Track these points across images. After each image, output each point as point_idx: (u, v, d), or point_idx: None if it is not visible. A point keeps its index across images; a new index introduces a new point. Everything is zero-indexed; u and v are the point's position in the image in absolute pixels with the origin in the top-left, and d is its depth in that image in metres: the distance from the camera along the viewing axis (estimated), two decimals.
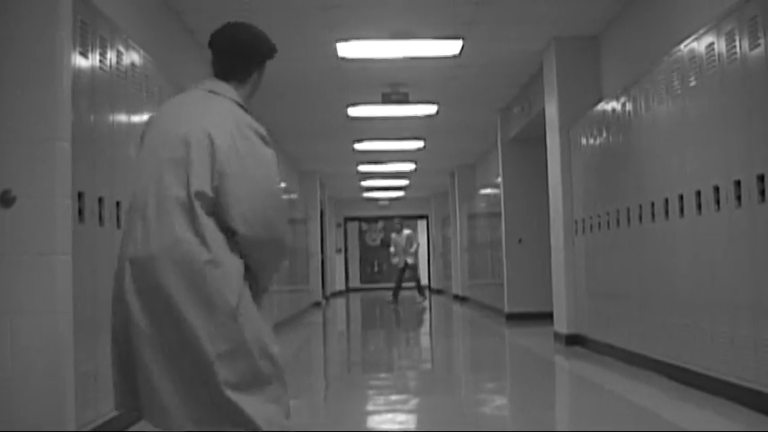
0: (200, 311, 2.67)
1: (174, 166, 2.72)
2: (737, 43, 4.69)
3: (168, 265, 2.67)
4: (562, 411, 5.59)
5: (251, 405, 2.71)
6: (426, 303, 18.65)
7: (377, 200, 26.73)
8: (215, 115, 2.82)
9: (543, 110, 9.31)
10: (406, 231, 19.35)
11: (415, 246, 19.06)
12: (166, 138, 2.78)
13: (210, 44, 3.02)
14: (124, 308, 2.71)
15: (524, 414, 5.25)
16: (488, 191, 14.74)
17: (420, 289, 19.12)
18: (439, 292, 25.75)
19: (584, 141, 8.04)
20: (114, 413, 4.44)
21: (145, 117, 5.27)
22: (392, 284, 19.62)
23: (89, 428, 4.10)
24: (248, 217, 2.71)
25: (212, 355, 2.66)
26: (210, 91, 2.92)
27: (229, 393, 2.66)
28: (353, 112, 11.74)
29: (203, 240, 2.70)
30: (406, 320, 14.31)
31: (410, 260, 18.86)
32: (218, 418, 2.69)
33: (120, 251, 2.77)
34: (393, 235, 19.74)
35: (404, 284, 19.20)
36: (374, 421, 5.10)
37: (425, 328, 12.81)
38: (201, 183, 2.70)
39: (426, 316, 15.16)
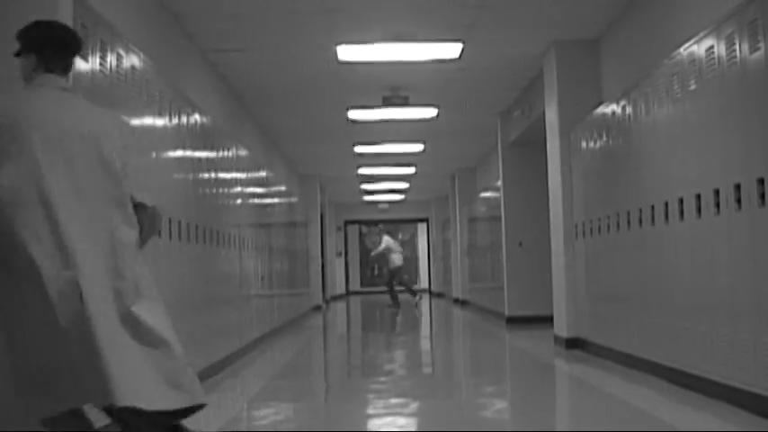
0: (135, 290, 2.87)
1: (93, 163, 2.90)
2: (737, 47, 4.70)
3: (117, 253, 2.84)
4: (562, 414, 5.59)
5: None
6: (420, 300, 19.07)
7: (377, 203, 26.74)
8: (97, 111, 3.06)
9: (543, 113, 9.32)
10: (385, 237, 19.57)
11: (379, 249, 19.20)
12: (68, 135, 2.90)
13: (45, 40, 3.08)
14: (75, 301, 2.74)
15: (525, 417, 5.25)
16: (488, 194, 14.75)
17: (411, 291, 19.30)
18: (439, 295, 25.75)
19: (584, 145, 8.04)
20: None
21: (145, 120, 5.28)
22: None
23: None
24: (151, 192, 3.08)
25: (165, 334, 2.82)
26: (64, 89, 3.06)
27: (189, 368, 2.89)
28: (354, 115, 11.75)
29: (132, 224, 2.94)
30: (406, 324, 14.31)
31: (392, 265, 19.02)
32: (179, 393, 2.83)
33: (43, 249, 2.77)
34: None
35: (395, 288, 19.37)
36: (374, 424, 5.10)
37: (426, 332, 12.81)
38: (120, 172, 2.95)
39: (423, 314, 15.15)
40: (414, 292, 19.30)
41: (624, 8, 7.54)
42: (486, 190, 15.38)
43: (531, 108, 10.46)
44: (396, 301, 18.44)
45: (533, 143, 11.17)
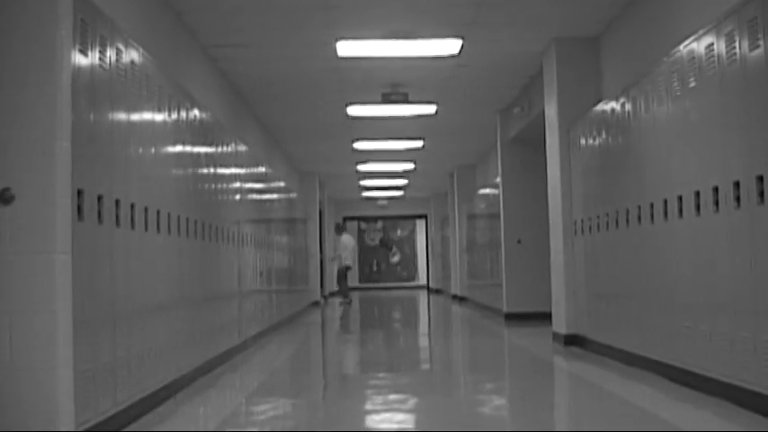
0: None
1: None
2: (737, 44, 4.69)
3: None
4: (561, 412, 5.59)
5: None
6: (347, 306, 18.97)
7: (376, 200, 26.74)
8: None
9: (543, 110, 9.32)
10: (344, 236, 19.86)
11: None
12: None
13: None
14: None
15: (523, 414, 5.25)
16: (488, 191, 14.75)
17: (343, 293, 19.53)
18: (438, 291, 25.77)
19: (583, 142, 8.04)
20: (112, 411, 4.45)
21: (145, 116, 5.28)
22: (391, 284, 19.90)
23: (87, 426, 4.09)
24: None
25: None
26: None
27: None
28: (353, 111, 11.75)
29: None
30: (404, 320, 14.31)
31: (343, 263, 19.37)
32: None
33: None
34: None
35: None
36: (372, 421, 5.10)
37: (424, 328, 12.81)
38: None
39: (342, 318, 15.14)
40: (345, 294, 19.48)
41: (625, 6, 7.54)
42: (485, 187, 15.38)
43: (531, 105, 10.46)
44: (346, 296, 18.76)
45: (533, 140, 11.16)
